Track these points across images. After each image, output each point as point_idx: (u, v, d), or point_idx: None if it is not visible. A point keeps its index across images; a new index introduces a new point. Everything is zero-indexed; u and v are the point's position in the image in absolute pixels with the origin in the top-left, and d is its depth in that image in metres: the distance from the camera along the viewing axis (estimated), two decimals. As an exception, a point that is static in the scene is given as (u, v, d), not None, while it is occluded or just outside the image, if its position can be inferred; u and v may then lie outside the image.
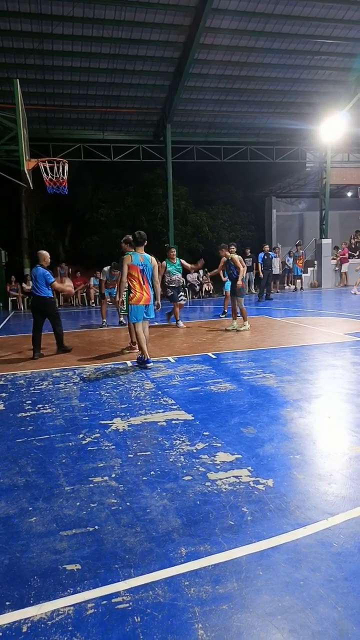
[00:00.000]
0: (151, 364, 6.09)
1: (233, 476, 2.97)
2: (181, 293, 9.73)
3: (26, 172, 10.77)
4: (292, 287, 18.94)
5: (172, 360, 6.48)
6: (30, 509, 2.70)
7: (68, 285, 7.03)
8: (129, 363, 6.51)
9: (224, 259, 9.36)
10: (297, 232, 24.14)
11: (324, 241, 18.82)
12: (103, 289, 10.58)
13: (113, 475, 3.07)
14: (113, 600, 1.93)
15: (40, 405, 4.70)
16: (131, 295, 6.03)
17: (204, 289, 18.14)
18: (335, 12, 12.86)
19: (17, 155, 10.49)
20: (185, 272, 9.65)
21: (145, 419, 4.16)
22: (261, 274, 14.93)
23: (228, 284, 9.92)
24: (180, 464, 3.18)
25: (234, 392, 4.85)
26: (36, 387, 5.45)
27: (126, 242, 7.01)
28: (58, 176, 11.19)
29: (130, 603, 1.91)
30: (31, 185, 11.96)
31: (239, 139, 18.58)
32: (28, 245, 20.01)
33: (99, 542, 2.34)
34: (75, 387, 5.35)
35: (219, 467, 3.11)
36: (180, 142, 18.00)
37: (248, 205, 28.91)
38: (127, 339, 7.61)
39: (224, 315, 11.16)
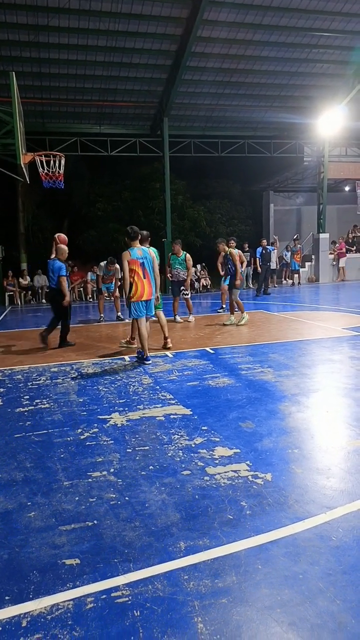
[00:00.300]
0: (150, 361, 6.08)
1: (232, 470, 2.97)
2: (182, 287, 9.67)
3: (22, 166, 10.67)
4: (290, 281, 18.94)
5: (170, 355, 6.48)
6: (29, 503, 2.70)
7: (67, 296, 7.34)
8: (127, 358, 6.51)
9: (222, 253, 9.33)
10: (294, 226, 24.10)
11: (322, 236, 18.82)
12: (100, 284, 10.55)
13: (112, 470, 3.07)
14: (112, 595, 1.94)
15: (38, 401, 4.69)
16: (132, 292, 5.96)
17: (201, 284, 18.13)
18: (333, 5, 12.78)
19: (13, 149, 10.40)
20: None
21: (143, 413, 4.15)
22: (259, 269, 14.92)
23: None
24: (178, 459, 3.18)
25: (232, 386, 4.85)
26: (34, 382, 5.44)
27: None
28: (54, 170, 11.12)
29: (130, 597, 1.92)
30: (27, 180, 11.88)
31: (237, 132, 18.51)
32: (25, 240, 19.93)
33: (98, 537, 2.34)
34: (73, 382, 5.34)
35: (217, 461, 3.12)
36: (178, 136, 17.91)
37: (246, 200, 28.81)
38: (125, 334, 7.60)
39: (221, 310, 11.16)
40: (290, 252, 18.64)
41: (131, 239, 6.06)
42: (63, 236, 7.82)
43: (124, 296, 6.32)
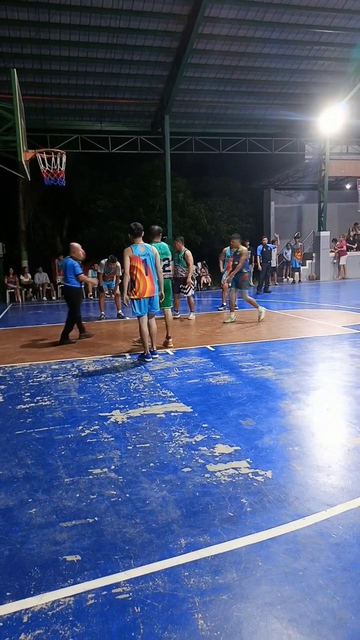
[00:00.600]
0: (150, 359, 6.08)
1: (232, 468, 2.98)
2: (182, 286, 9.67)
3: (23, 163, 10.66)
4: (291, 279, 18.93)
5: (171, 353, 6.48)
6: (30, 500, 2.71)
7: (92, 279, 7.80)
8: (128, 356, 6.51)
9: (226, 249, 9.21)
10: (295, 224, 24.07)
11: (323, 234, 18.78)
12: (101, 282, 10.56)
13: (112, 467, 3.07)
14: (113, 591, 1.95)
15: (39, 398, 4.70)
16: (134, 289, 5.93)
17: (202, 282, 18.11)
18: (334, 2, 12.72)
19: (14, 146, 10.38)
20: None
21: (144, 411, 4.16)
22: (260, 267, 14.91)
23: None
24: (179, 456, 3.18)
25: (233, 384, 4.85)
26: (35, 379, 5.45)
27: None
28: (55, 167, 11.10)
29: (131, 593, 1.92)
30: (29, 177, 11.88)
31: (238, 130, 18.45)
32: (26, 238, 19.90)
33: (98, 533, 2.34)
34: (74, 380, 5.35)
35: (218, 458, 3.12)
36: (179, 133, 17.87)
37: (246, 197, 28.75)
38: (126, 331, 7.60)
39: (222, 308, 11.16)
40: (291, 250, 18.62)
41: (134, 236, 6.02)
42: (76, 244, 8.06)
43: (125, 295, 6.10)
